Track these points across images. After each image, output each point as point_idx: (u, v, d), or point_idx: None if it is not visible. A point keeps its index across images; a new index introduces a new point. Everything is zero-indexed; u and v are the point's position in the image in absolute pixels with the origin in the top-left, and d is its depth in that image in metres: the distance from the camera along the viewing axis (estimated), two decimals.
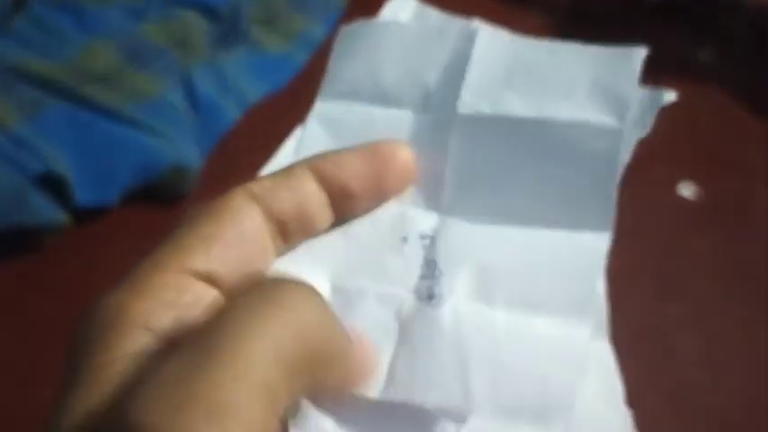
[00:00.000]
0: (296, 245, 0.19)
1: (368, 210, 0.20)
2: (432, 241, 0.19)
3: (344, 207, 0.19)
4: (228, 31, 0.76)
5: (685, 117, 0.76)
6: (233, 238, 0.17)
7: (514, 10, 0.81)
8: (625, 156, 0.19)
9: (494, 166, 0.19)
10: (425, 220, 0.19)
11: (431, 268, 0.19)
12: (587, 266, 0.18)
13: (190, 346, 0.13)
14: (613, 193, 0.18)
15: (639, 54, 0.19)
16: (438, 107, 0.20)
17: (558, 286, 0.18)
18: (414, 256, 0.19)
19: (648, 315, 0.61)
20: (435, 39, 0.21)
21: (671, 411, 0.54)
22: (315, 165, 0.19)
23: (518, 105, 0.19)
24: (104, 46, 0.68)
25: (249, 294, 0.14)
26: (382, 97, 0.21)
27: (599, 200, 0.18)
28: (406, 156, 0.19)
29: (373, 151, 0.19)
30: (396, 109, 0.20)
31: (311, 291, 0.15)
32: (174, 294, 0.16)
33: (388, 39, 0.21)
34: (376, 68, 0.21)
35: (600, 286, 0.18)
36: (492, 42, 0.20)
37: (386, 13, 0.21)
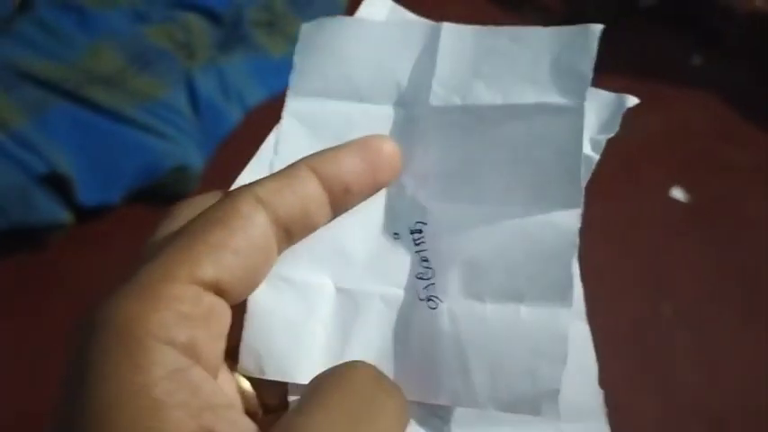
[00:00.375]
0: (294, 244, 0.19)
1: (359, 203, 0.20)
2: (421, 236, 0.20)
3: (342, 203, 0.19)
4: (230, 34, 0.77)
5: (677, 121, 0.77)
6: (242, 246, 0.17)
7: (509, 14, 0.82)
8: (594, 155, 0.19)
9: (468, 155, 0.20)
10: (412, 214, 0.20)
11: (425, 267, 0.19)
12: (561, 247, 0.18)
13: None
14: (579, 170, 0.19)
15: (595, 31, 0.20)
16: (411, 102, 0.21)
17: (536, 271, 0.18)
18: (407, 254, 0.20)
19: (639, 315, 0.62)
20: (403, 35, 0.21)
21: (660, 410, 0.55)
22: (315, 164, 0.19)
23: (485, 94, 0.20)
24: (108, 48, 0.69)
25: (362, 410, 0.16)
26: (355, 94, 0.21)
27: (566, 177, 0.19)
28: (391, 148, 0.20)
29: (364, 146, 0.19)
30: (370, 104, 0.21)
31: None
32: (188, 307, 0.16)
33: (354, 35, 0.21)
34: (345, 65, 0.21)
35: (575, 266, 0.18)
36: (457, 35, 0.21)
37: (360, 13, 0.21)
